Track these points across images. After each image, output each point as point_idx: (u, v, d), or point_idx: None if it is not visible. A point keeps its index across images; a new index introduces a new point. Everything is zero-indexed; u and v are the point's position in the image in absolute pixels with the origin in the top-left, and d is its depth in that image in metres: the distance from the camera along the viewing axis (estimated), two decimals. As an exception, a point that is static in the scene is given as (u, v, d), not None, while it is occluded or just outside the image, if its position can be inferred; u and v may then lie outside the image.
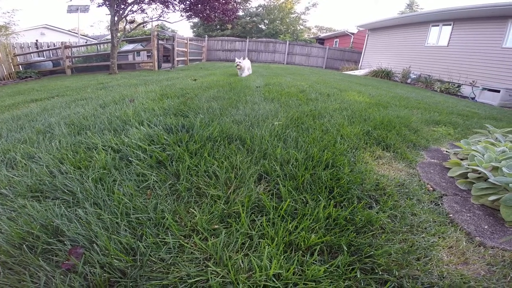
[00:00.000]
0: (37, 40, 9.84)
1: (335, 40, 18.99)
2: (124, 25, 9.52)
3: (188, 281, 0.72)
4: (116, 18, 8.28)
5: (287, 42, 15.44)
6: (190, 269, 0.76)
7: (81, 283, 0.72)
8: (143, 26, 11.40)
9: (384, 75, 10.13)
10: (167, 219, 0.92)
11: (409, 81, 9.73)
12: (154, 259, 0.79)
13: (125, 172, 1.21)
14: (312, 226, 0.95)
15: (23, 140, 1.76)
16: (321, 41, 20.20)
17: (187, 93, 3.04)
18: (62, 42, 8.86)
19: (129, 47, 10.00)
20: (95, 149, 1.44)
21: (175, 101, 2.54)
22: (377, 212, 1.07)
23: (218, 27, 21.77)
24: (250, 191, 1.11)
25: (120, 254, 0.79)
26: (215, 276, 0.74)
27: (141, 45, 10.63)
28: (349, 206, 1.08)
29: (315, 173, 1.29)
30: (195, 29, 23.54)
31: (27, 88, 5.74)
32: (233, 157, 1.35)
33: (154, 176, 1.18)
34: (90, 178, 1.10)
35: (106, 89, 3.97)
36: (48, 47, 9.38)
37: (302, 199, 1.10)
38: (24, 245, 0.82)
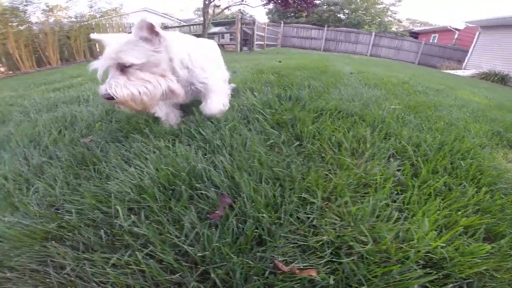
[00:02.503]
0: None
1: (432, 35, 16.66)
2: (213, 9, 10.19)
3: (329, 246, 0.67)
4: (207, 2, 8.89)
5: (373, 34, 14.08)
6: (333, 233, 0.70)
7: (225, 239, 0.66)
8: (228, 10, 12.01)
9: (498, 79, 8.28)
10: (308, 178, 0.87)
11: (533, 89, 7.77)
12: (291, 220, 0.74)
13: (250, 129, 1.25)
14: (462, 210, 0.85)
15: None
16: (414, 35, 17.81)
17: (279, 71, 3.03)
18: (162, 23, 10.06)
19: (215, 29, 10.67)
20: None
21: (272, 77, 2.55)
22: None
23: (292, 14, 21.35)
24: (384, 166, 1.01)
25: (266, 208, 0.74)
26: (361, 245, 0.67)
27: (225, 28, 11.23)
28: (498, 198, 0.94)
29: (453, 161, 1.15)
30: (269, 16, 23.67)
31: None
32: (355, 130, 1.26)
33: (276, 135, 1.18)
34: (226, 127, 1.17)
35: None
36: (151, 26, 10.79)
37: (444, 183, 0.98)
38: (169, 190, 0.80)
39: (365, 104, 1.69)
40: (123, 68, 0.90)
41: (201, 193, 0.80)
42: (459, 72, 9.74)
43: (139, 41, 0.91)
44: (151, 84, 0.93)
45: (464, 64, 11.43)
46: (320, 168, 0.95)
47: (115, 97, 0.88)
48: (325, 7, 21.26)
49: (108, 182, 0.89)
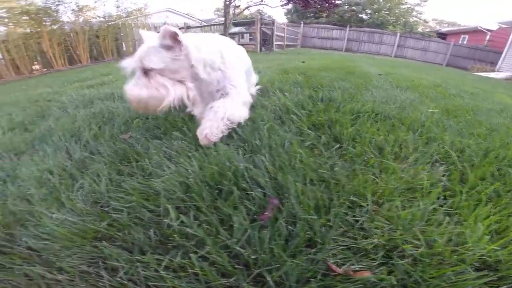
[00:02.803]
0: (165, 22, 11.75)
1: (462, 36, 16.01)
2: (233, 9, 10.28)
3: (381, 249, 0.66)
4: (227, 2, 8.97)
5: (398, 34, 13.67)
6: (385, 236, 0.68)
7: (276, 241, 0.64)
8: (248, 10, 12.07)
9: (536, 82, 7.73)
10: (355, 181, 0.85)
11: None
12: (340, 223, 0.72)
13: (286, 130, 1.24)
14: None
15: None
16: (442, 35, 17.09)
17: (305, 71, 3.00)
18: (184, 23, 10.28)
19: (235, 29, 10.75)
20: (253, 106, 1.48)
21: (299, 78, 2.53)
22: None
23: (312, 14, 21.08)
24: (429, 171, 0.98)
25: (316, 210, 0.73)
26: (414, 248, 0.66)
27: (244, 28, 11.29)
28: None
29: (500, 167, 1.09)
30: (288, 16, 23.51)
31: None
32: (395, 133, 1.22)
33: (314, 137, 1.16)
34: (265, 127, 1.16)
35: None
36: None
37: (494, 189, 0.93)
38: (215, 189, 0.79)
39: (401, 107, 1.63)
40: (146, 71, 0.99)
41: (247, 193, 0.80)
42: (492, 75, 9.22)
43: (160, 48, 0.98)
44: (165, 88, 0.99)
45: (497, 66, 10.80)
46: (365, 172, 0.93)
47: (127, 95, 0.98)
48: (346, 7, 20.87)
49: (152, 180, 0.89)
